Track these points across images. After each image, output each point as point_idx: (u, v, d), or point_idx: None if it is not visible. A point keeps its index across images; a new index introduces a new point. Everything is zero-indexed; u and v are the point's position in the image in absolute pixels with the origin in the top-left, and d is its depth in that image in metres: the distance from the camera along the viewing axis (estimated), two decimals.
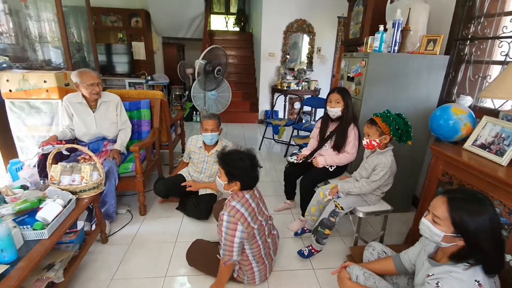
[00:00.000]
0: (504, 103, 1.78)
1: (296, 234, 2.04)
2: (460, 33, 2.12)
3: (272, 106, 5.07)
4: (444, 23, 2.19)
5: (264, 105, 5.23)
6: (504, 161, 1.33)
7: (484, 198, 0.95)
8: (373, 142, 1.61)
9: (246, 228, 1.37)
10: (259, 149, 3.89)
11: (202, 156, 2.27)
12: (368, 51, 2.09)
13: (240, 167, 1.38)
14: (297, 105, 5.14)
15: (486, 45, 1.96)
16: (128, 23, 5.66)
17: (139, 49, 5.83)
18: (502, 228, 0.94)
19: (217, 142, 2.22)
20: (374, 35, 2.06)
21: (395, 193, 2.25)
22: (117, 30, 5.79)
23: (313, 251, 1.78)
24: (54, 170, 1.62)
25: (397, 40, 2.03)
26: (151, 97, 2.59)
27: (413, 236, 1.80)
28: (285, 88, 4.74)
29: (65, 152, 1.89)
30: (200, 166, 2.28)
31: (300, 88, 4.77)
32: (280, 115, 5.12)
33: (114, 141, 2.26)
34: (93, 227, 1.90)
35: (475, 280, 0.90)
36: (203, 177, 2.28)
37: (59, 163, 1.68)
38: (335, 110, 1.96)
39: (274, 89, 4.93)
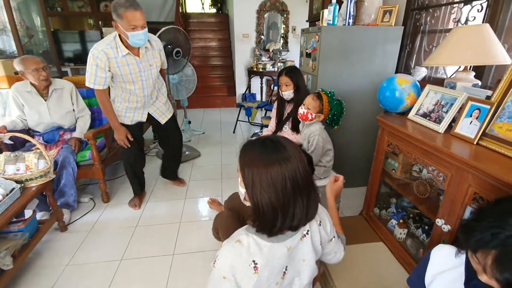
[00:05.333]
0: (455, 71, 1.78)
1: None
2: (417, 2, 2.09)
3: (248, 88, 5.00)
4: None
5: (241, 88, 5.17)
6: (441, 128, 1.34)
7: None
8: (309, 115, 1.61)
9: None
10: (233, 132, 3.88)
11: (133, 64, 1.71)
12: (324, 25, 2.04)
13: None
14: (276, 88, 5.09)
15: (440, 12, 1.93)
16: (97, 8, 5.42)
17: None
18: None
19: None
20: None
21: (357, 168, 2.29)
22: (86, 15, 5.55)
23: None
24: None
25: (351, 13, 1.99)
26: None
27: (367, 208, 1.84)
28: (260, 70, 4.67)
29: (7, 142, 1.85)
30: (138, 80, 1.77)
31: (276, 69, 4.70)
32: (258, 97, 5.07)
33: (70, 130, 2.22)
34: None
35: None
36: (148, 91, 1.86)
37: (3, 152, 1.64)
38: (287, 94, 1.92)
39: (250, 71, 4.86)
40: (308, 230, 0.81)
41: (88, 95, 2.41)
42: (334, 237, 0.92)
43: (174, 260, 1.66)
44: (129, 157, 2.08)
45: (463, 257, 0.76)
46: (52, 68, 3.26)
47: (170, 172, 2.46)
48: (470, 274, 0.63)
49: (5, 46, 2.79)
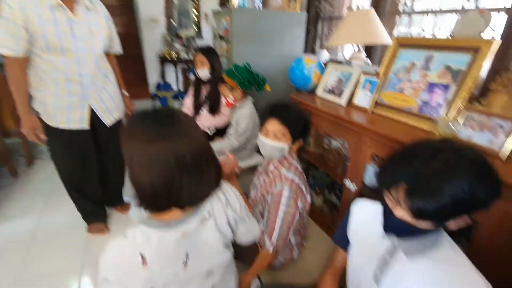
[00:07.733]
0: (351, 55, 2.02)
1: None
2: None
3: (162, 77, 4.67)
4: None
5: (153, 77, 4.77)
6: (342, 101, 1.50)
7: None
8: (229, 100, 1.61)
9: (304, 205, 1.12)
10: None
11: (64, 23, 1.20)
12: (235, 7, 2.03)
13: (307, 120, 1.13)
14: (192, 75, 4.88)
15: (337, 1, 2.15)
16: None
17: None
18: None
19: None
20: None
21: None
22: None
23: None
24: None
25: None
26: None
27: None
28: (174, 58, 4.39)
29: None
30: (70, 49, 1.23)
31: (191, 57, 4.49)
32: (174, 87, 4.79)
33: None
34: None
35: None
36: (87, 70, 1.31)
37: None
38: (202, 72, 1.85)
39: (163, 59, 4.52)
40: (209, 212, 0.74)
41: None
42: (247, 215, 0.86)
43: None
44: (66, 174, 1.50)
45: (380, 207, 0.82)
46: None
47: (115, 199, 1.83)
48: (387, 215, 0.67)
49: None
